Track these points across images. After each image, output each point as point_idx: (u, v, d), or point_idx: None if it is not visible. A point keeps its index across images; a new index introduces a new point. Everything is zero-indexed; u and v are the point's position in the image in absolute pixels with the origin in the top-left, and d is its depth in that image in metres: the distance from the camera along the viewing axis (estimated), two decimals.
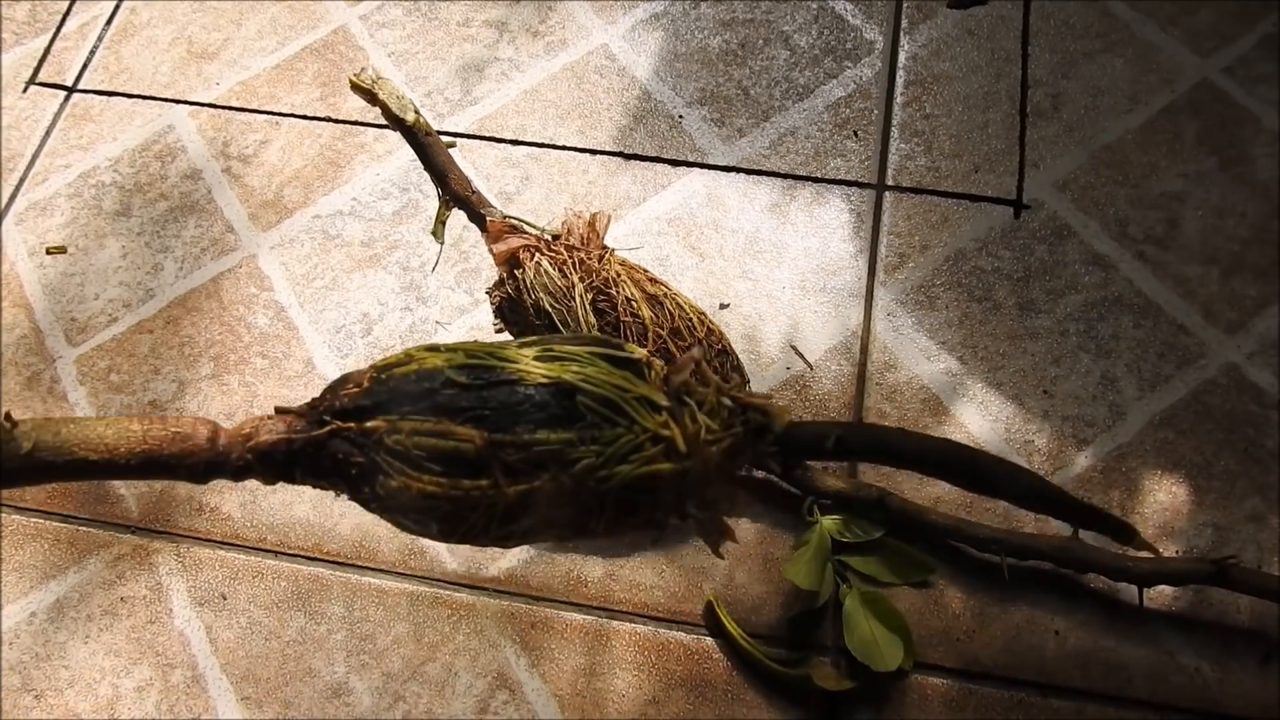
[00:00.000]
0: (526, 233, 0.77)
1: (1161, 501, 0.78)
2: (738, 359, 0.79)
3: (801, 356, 0.86)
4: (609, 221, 0.80)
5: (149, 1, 1.15)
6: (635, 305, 0.75)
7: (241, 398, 0.89)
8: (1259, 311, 0.85)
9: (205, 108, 1.07)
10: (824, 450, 0.67)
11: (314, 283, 0.95)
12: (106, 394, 0.90)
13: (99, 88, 1.09)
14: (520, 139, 1.00)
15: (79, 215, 1.01)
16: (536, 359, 0.61)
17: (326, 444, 0.60)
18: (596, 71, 1.04)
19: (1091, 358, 0.84)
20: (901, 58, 1.01)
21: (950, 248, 0.91)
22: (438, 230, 0.77)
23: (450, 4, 1.10)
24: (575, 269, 0.75)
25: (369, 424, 0.59)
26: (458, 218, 0.82)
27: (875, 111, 0.98)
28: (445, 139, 0.83)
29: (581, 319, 0.74)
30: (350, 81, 0.73)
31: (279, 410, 0.63)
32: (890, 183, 0.95)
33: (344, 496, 0.63)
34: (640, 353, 0.66)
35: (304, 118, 1.05)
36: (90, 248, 0.99)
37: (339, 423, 0.60)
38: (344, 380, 0.63)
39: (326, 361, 0.90)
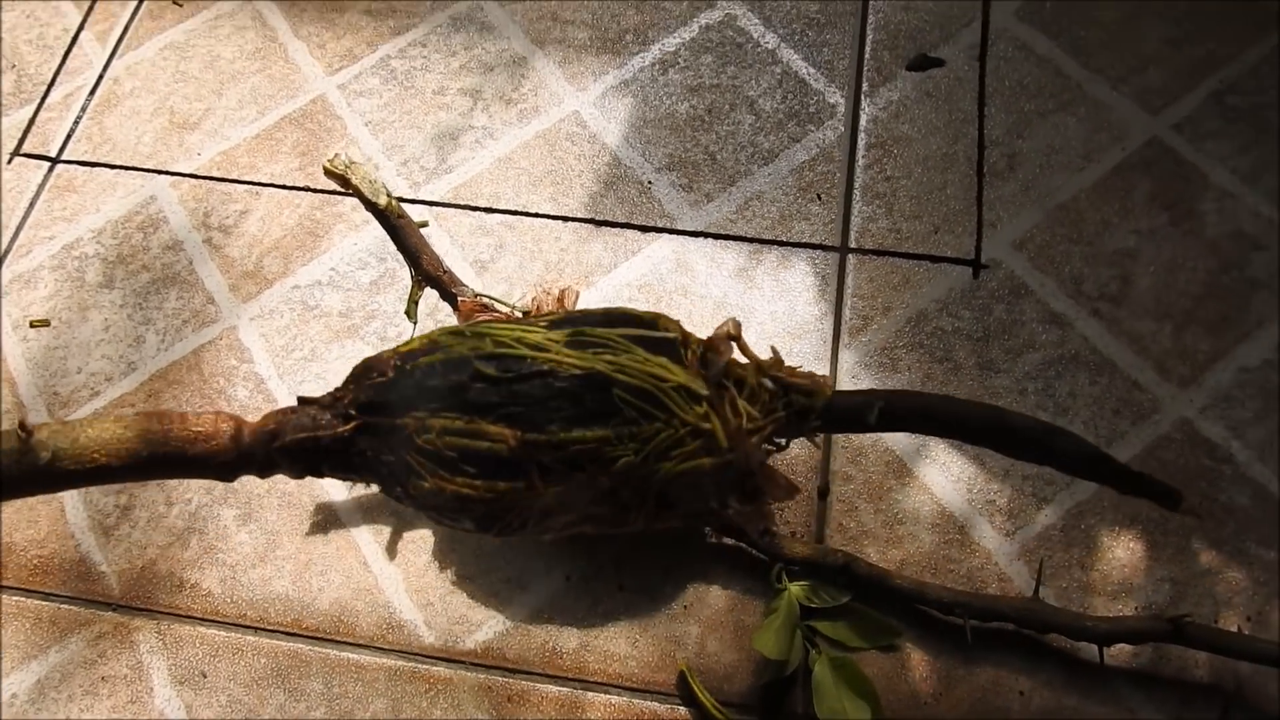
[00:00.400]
0: (497, 311, 0.79)
1: (1120, 558, 0.81)
2: None
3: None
4: (577, 296, 0.82)
5: (132, 72, 1.17)
6: None
7: None
8: (1210, 366, 0.87)
9: (187, 178, 1.09)
10: (866, 423, 0.66)
11: (293, 354, 0.97)
12: None
13: (83, 158, 1.11)
14: (494, 207, 1.03)
15: (62, 288, 1.03)
16: (567, 346, 0.58)
17: (354, 440, 0.58)
18: (568, 138, 1.06)
19: (1050, 415, 0.87)
20: (863, 120, 1.04)
21: (912, 309, 0.93)
22: (411, 310, 0.80)
23: (426, 73, 1.13)
24: None
25: (398, 421, 0.56)
26: (432, 293, 0.85)
27: (838, 174, 1.01)
28: (418, 217, 0.85)
29: None
30: (324, 168, 0.76)
31: (302, 401, 0.60)
32: (853, 245, 0.97)
33: (372, 488, 0.63)
34: (675, 329, 0.61)
35: (283, 187, 1.07)
36: (73, 320, 1.01)
37: (365, 417, 0.57)
38: (368, 369, 0.60)
39: None
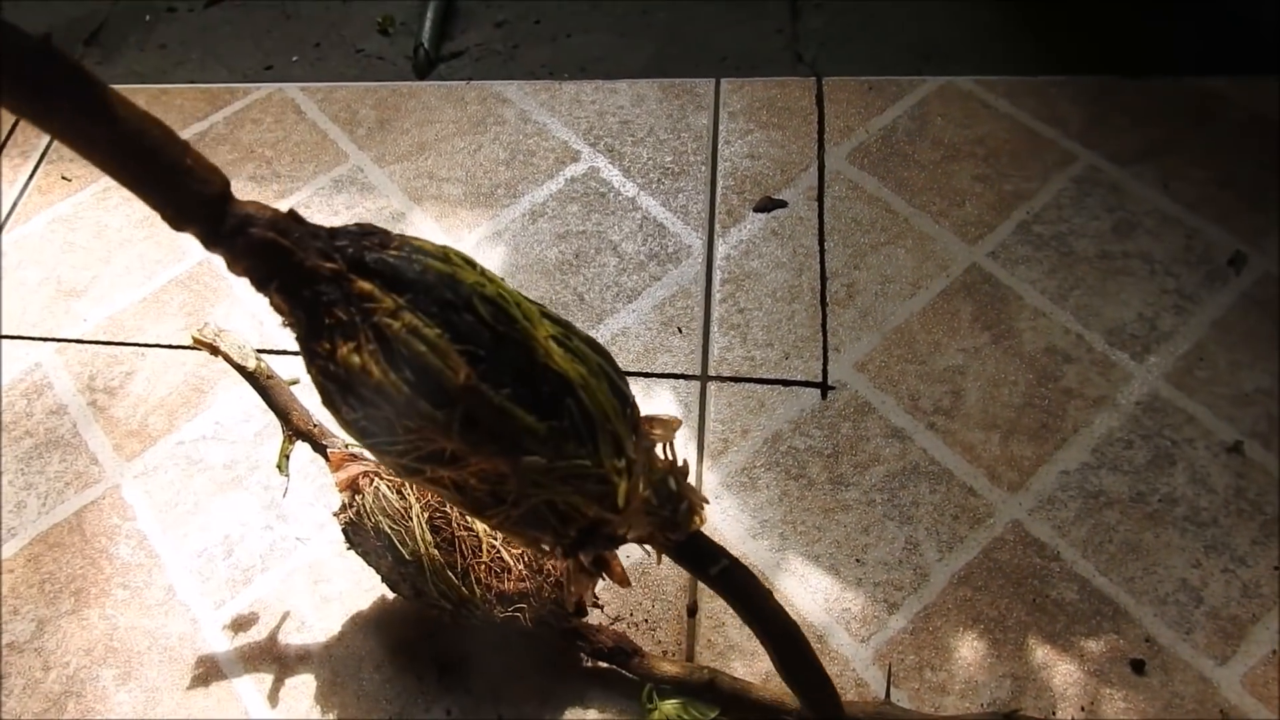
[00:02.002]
0: (365, 459, 0.84)
1: (966, 657, 0.86)
2: None
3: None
4: None
5: (19, 245, 1.21)
6: (469, 520, 0.81)
7: (101, 631, 0.91)
8: (1035, 470, 0.96)
9: (72, 343, 1.12)
10: (706, 571, 0.68)
11: (176, 509, 0.99)
12: None
13: None
14: None
15: None
16: (553, 339, 0.58)
17: (320, 280, 0.54)
18: None
19: (896, 524, 0.93)
20: (717, 258, 1.13)
21: (768, 430, 1.00)
22: (282, 464, 0.83)
23: None
24: (412, 489, 0.82)
25: (378, 293, 0.54)
26: (305, 446, 0.89)
27: (696, 309, 1.09)
28: (289, 374, 0.90)
29: (419, 537, 0.80)
30: (193, 338, 0.81)
31: (294, 215, 0.56)
32: (712, 373, 1.05)
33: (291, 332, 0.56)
34: (630, 393, 0.63)
35: (169, 347, 1.11)
36: None
37: (350, 273, 0.54)
38: (370, 233, 0.57)
39: (187, 588, 0.93)
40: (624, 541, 0.65)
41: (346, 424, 0.57)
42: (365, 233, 0.55)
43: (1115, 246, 1.09)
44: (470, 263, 0.57)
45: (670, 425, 0.64)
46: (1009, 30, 1.31)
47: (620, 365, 1.07)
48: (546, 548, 0.66)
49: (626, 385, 0.62)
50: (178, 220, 0.52)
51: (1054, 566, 0.90)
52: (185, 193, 0.51)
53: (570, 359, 0.58)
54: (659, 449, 0.65)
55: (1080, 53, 1.27)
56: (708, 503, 0.67)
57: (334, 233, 0.55)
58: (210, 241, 0.52)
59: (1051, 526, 0.92)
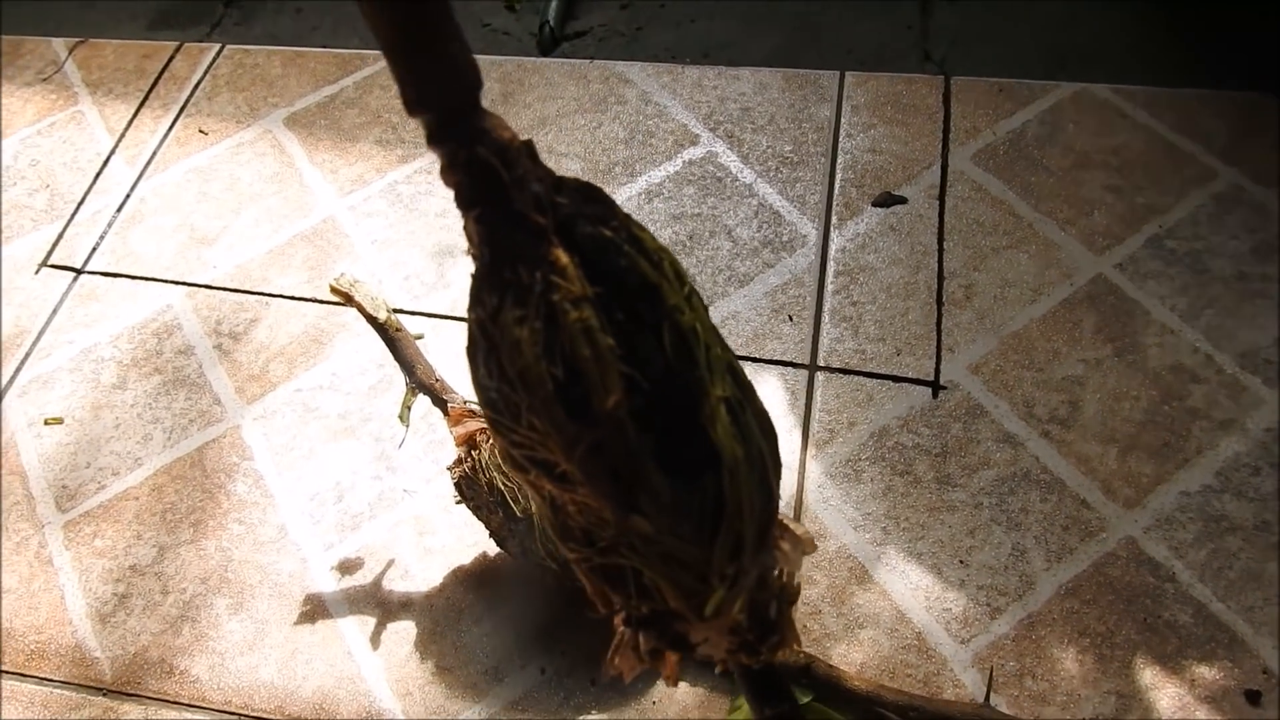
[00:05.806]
0: (481, 418, 0.85)
1: (1070, 669, 0.84)
2: None
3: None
4: None
5: (157, 192, 1.27)
6: None
7: (217, 562, 0.95)
8: (1153, 489, 0.93)
9: (202, 288, 1.17)
10: (761, 710, 0.64)
11: (292, 452, 1.02)
12: (90, 559, 0.96)
13: (105, 270, 1.20)
14: None
15: (78, 388, 1.09)
16: (726, 402, 0.51)
17: (520, 229, 0.48)
18: None
19: (1003, 530, 0.92)
20: (832, 250, 1.12)
21: (875, 425, 0.99)
22: (404, 415, 0.86)
23: (430, 197, 1.22)
24: None
25: (571, 271, 0.47)
26: (425, 399, 0.91)
27: (808, 298, 1.09)
28: (417, 329, 0.93)
29: (531, 496, 0.81)
30: (330, 286, 0.83)
31: (529, 147, 0.50)
32: (821, 364, 1.04)
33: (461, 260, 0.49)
34: (777, 492, 0.55)
35: (292, 298, 1.15)
36: (86, 419, 1.07)
37: (554, 235, 0.48)
38: (598, 199, 0.51)
39: (299, 528, 0.97)
40: (691, 651, 0.58)
41: (478, 386, 0.53)
42: (590, 198, 0.50)
43: (1254, 268, 1.05)
44: (681, 277, 0.51)
45: (803, 546, 0.57)
46: (1151, 39, 1.28)
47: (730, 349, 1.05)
48: (614, 606, 0.59)
49: (779, 479, 0.55)
50: (417, 104, 0.47)
51: (1168, 588, 0.87)
52: (438, 77, 0.47)
53: (733, 434, 0.51)
54: (778, 570, 0.57)
55: (1227, 67, 1.23)
56: (799, 645, 0.61)
57: (560, 184, 0.50)
58: (437, 137, 0.48)
59: (1168, 547, 0.90)
